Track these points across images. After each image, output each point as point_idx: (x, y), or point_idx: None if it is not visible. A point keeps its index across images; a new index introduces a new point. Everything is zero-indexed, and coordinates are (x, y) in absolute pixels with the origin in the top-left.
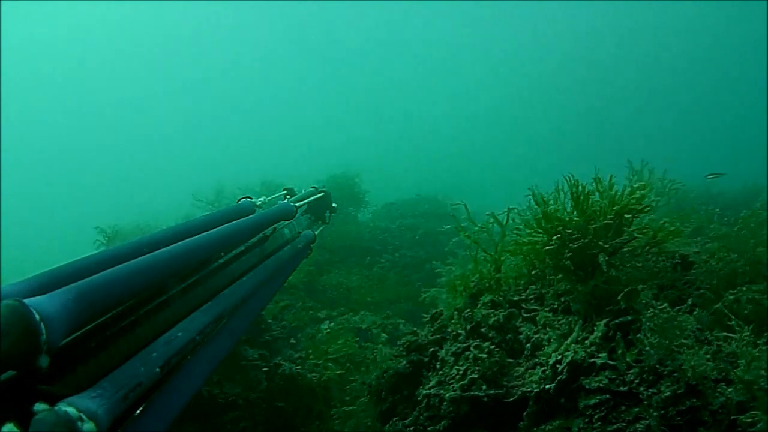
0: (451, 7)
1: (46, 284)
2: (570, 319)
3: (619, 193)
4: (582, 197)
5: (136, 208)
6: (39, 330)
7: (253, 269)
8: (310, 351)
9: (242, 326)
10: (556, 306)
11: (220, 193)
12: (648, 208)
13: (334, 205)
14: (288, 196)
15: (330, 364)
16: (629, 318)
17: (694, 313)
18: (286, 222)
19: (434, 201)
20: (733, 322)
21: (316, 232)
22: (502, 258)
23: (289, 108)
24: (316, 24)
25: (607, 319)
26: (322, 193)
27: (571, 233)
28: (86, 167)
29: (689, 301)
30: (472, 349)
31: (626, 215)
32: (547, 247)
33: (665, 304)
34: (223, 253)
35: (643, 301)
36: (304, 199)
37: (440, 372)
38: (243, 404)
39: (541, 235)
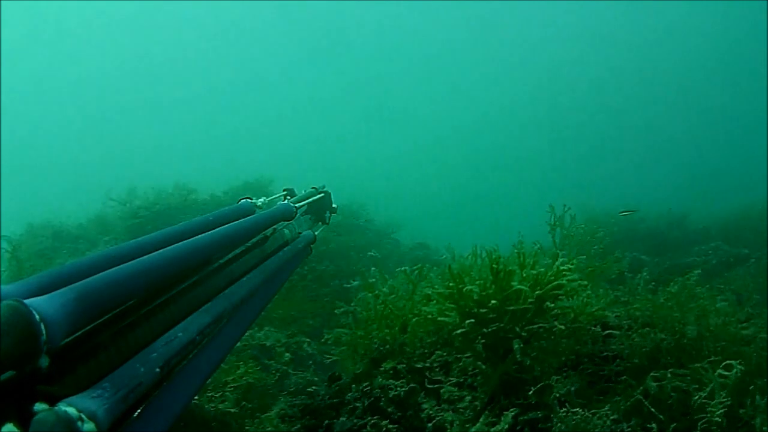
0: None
1: (47, 285)
2: (476, 402)
3: (542, 273)
4: (502, 274)
5: (48, 205)
6: (39, 330)
7: (253, 270)
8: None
9: (242, 327)
10: (462, 380)
11: (132, 193)
12: (573, 293)
13: (334, 205)
14: (288, 197)
15: (228, 393)
16: (539, 415)
17: (610, 404)
18: (286, 222)
19: (347, 212)
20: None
21: (316, 233)
22: (410, 317)
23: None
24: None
25: (516, 411)
26: (322, 194)
27: (486, 313)
28: None
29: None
30: (368, 427)
31: (548, 303)
32: (457, 331)
33: (577, 409)
34: (223, 254)
35: (556, 395)
36: (305, 200)
37: None
38: None
39: (452, 313)
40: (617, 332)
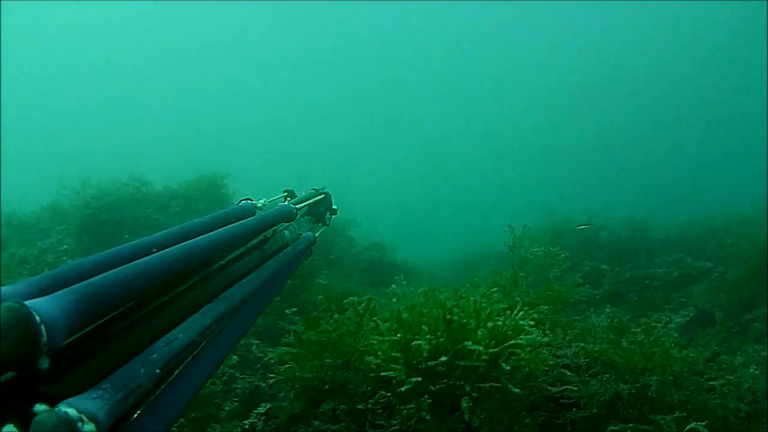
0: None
1: (47, 286)
2: None
3: (499, 327)
4: (455, 325)
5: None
6: (39, 332)
7: (253, 271)
8: None
9: (243, 327)
10: (405, 429)
11: (86, 183)
12: (529, 349)
13: (334, 207)
14: (288, 198)
15: None
16: None
17: None
18: (287, 224)
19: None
20: None
21: (316, 234)
22: (355, 353)
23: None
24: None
25: None
26: (322, 195)
27: (435, 366)
28: None
29: None
30: None
31: (502, 363)
32: (403, 388)
33: None
34: (223, 255)
35: None
36: (305, 201)
37: None
38: None
39: (398, 366)
40: (574, 378)
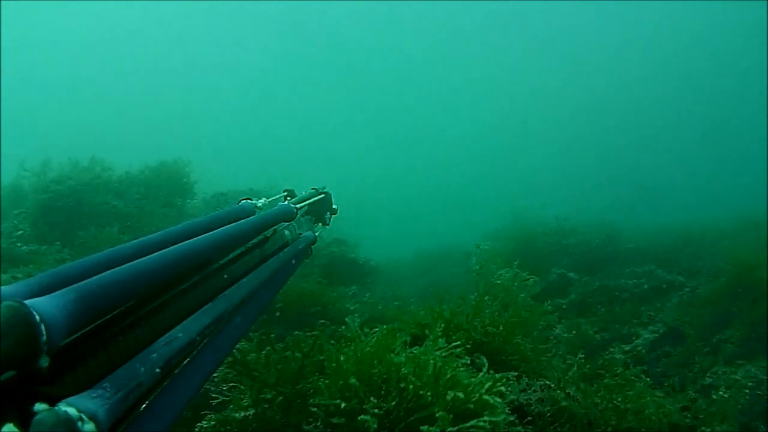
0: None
1: (47, 285)
2: None
3: (460, 401)
4: (410, 395)
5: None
6: (39, 331)
7: (253, 270)
8: None
9: (243, 327)
10: None
11: (46, 165)
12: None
13: (335, 206)
14: (288, 198)
15: None
16: None
17: None
18: (287, 223)
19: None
20: None
21: (316, 234)
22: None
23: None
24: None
25: None
26: (322, 195)
27: None
28: None
29: None
30: None
31: None
32: None
33: None
34: (224, 255)
35: None
36: (305, 201)
37: None
38: None
39: None
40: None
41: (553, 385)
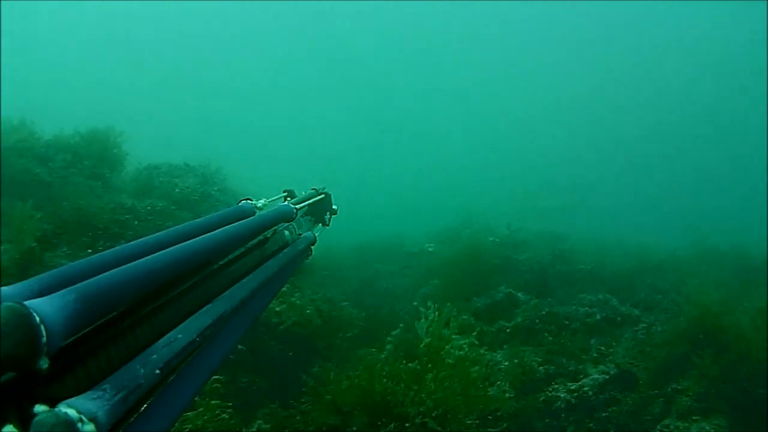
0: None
1: (47, 286)
2: None
3: None
4: None
5: None
6: (39, 332)
7: (253, 271)
8: None
9: (243, 327)
10: None
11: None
12: None
13: (334, 207)
14: (288, 198)
15: None
16: None
17: None
18: (287, 224)
19: (203, 172)
20: None
21: (316, 234)
22: None
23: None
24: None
25: None
26: (322, 195)
27: None
28: None
29: None
30: None
31: None
32: None
33: None
34: (223, 255)
35: None
36: (305, 201)
37: None
38: None
39: None
40: None
41: None
